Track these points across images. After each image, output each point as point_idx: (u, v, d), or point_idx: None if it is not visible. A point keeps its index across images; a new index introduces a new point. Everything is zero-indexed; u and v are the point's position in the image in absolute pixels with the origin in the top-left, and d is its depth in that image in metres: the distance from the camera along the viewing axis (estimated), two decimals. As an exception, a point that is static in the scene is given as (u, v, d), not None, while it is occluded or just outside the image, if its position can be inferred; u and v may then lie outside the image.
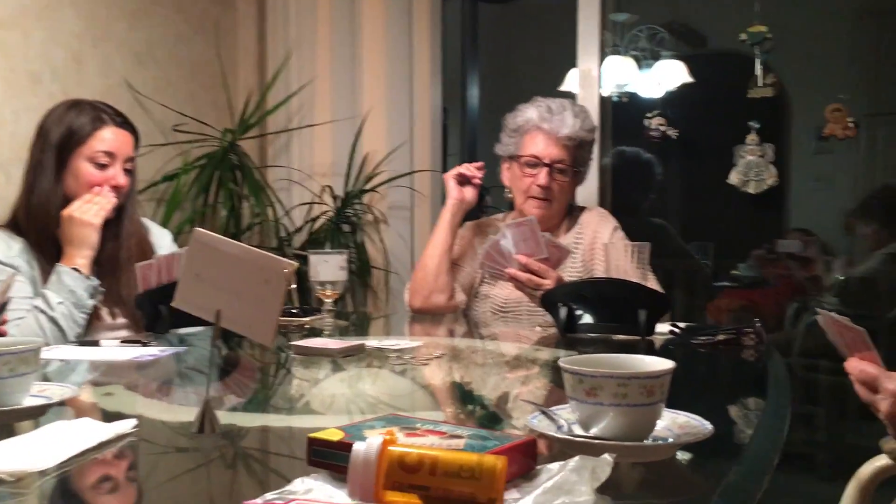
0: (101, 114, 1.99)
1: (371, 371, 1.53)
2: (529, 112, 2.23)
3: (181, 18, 3.11)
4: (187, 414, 1.08)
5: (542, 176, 2.18)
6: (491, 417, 1.23)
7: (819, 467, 3.54)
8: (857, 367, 1.07)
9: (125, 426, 0.96)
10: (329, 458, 0.79)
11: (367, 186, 3.15)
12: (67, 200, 1.95)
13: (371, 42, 3.16)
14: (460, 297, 2.25)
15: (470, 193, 2.27)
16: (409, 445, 0.73)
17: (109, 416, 1.02)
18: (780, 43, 3.17)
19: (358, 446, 0.71)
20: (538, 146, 2.20)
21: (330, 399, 1.35)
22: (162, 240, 2.18)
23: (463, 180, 2.27)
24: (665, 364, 0.91)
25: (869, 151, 4.24)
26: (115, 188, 1.98)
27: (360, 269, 3.12)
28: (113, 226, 2.00)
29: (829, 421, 3.64)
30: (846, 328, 1.10)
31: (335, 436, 0.81)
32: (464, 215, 2.29)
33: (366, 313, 3.05)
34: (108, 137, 1.98)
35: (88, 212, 1.92)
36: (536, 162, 2.19)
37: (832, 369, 3.58)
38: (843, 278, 3.66)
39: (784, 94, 3.40)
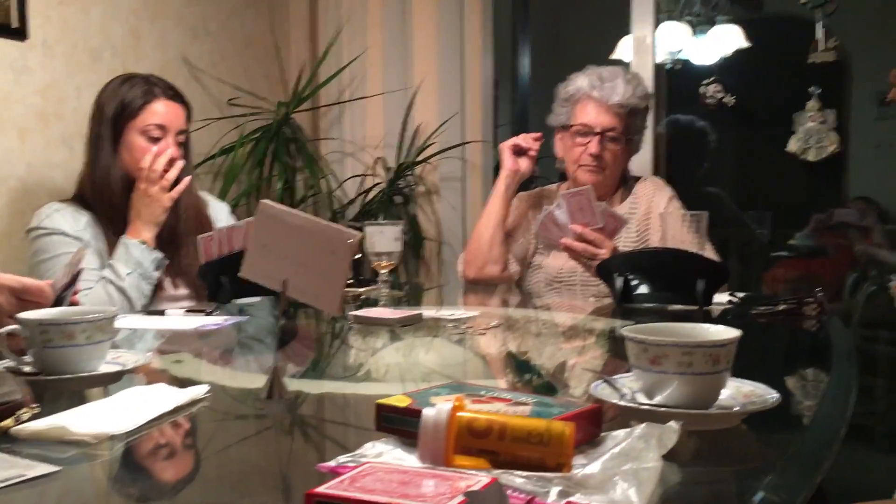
0: (153, 87, 2.03)
1: (428, 340, 1.55)
2: (580, 81, 2.21)
3: (234, -8, 3.14)
4: (253, 381, 1.11)
5: (593, 144, 2.16)
6: (548, 387, 1.24)
7: (879, 439, 3.48)
8: None
9: (199, 391, 0.99)
10: (398, 423, 0.81)
11: (419, 158, 3.15)
12: (126, 174, 2.00)
13: (422, 13, 3.15)
14: (514, 267, 2.26)
15: (525, 164, 2.26)
16: (477, 411, 0.74)
17: (181, 383, 1.05)
18: (842, 5, 3.07)
19: (428, 412, 0.72)
20: (589, 115, 2.18)
21: (389, 367, 1.38)
22: (220, 213, 2.22)
23: (519, 151, 2.26)
24: (731, 333, 0.90)
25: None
26: (170, 161, 2.01)
27: (413, 241, 3.14)
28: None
29: (891, 392, 3.58)
30: None
31: (403, 402, 0.82)
32: (518, 186, 2.29)
33: (419, 284, 3.08)
34: (160, 110, 2.02)
35: (162, 193, 1.96)
36: (588, 130, 2.18)
37: (892, 340, 3.51)
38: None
39: (845, 59, 3.29)
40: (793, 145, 3.09)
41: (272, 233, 1.00)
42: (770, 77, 3.59)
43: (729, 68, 3.57)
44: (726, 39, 3.67)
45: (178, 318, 1.72)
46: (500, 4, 3.53)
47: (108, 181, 2.00)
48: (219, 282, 1.85)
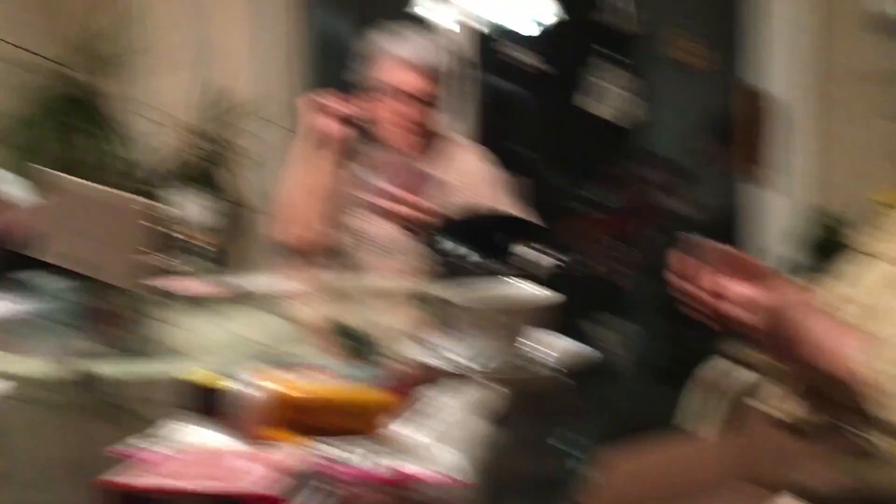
0: None
1: (244, 312, 1.49)
2: (388, 40, 2.19)
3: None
4: (46, 366, 1.02)
5: (404, 105, 2.15)
6: (369, 352, 1.23)
7: (671, 375, 3.77)
8: (735, 293, 1.11)
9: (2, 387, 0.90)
10: (207, 401, 0.77)
11: (229, 121, 3.02)
12: None
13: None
14: (333, 233, 2.22)
15: (339, 127, 2.21)
16: (291, 383, 0.72)
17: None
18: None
19: (237, 388, 0.69)
20: (399, 75, 2.16)
21: (202, 343, 1.31)
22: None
23: (332, 113, 2.21)
24: (545, 293, 0.93)
25: (713, 78, 4.45)
26: None
27: (229, 209, 3.02)
28: None
29: (678, 332, 3.88)
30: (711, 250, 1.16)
31: (213, 379, 0.78)
32: (335, 149, 2.24)
33: (236, 254, 2.97)
34: None
35: None
36: (397, 91, 2.16)
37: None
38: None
39: (638, 23, 3.49)
40: (593, 105, 3.24)
41: (55, 205, 0.91)
42: (572, 40, 3.73)
43: (542, 35, 3.67)
44: (534, 4, 3.78)
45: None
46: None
47: None
48: None
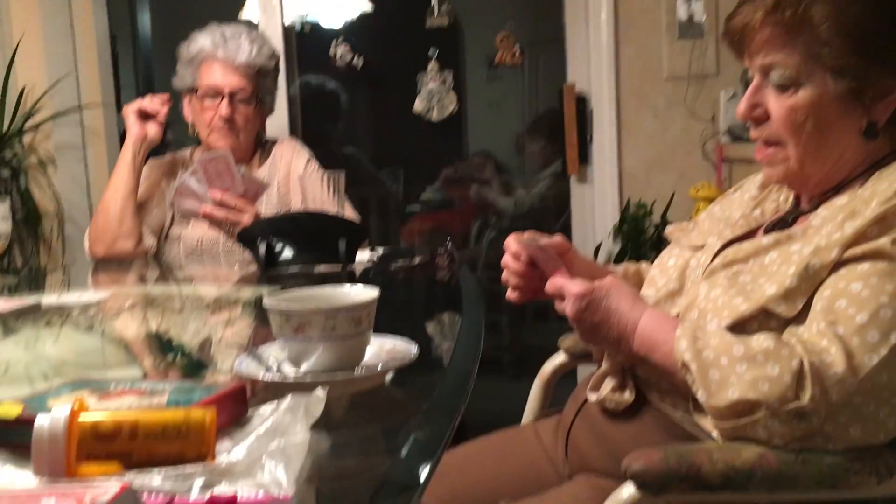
0: None
1: (51, 331, 1.37)
2: (203, 40, 2.10)
3: None
4: None
5: (223, 106, 2.08)
6: (195, 366, 1.17)
7: (507, 369, 3.90)
8: (550, 284, 1.16)
9: None
10: (7, 436, 0.69)
11: (28, 125, 2.79)
12: None
13: (16, -42, 2.77)
14: (149, 240, 2.10)
15: (153, 130, 2.09)
16: (103, 410, 0.66)
17: None
18: (450, -28, 3.29)
19: (41, 419, 0.63)
20: (216, 76, 2.08)
21: (4, 367, 1.20)
22: None
23: (145, 115, 2.09)
24: (370, 293, 0.91)
25: (532, 77, 4.63)
26: None
27: (28, 218, 2.79)
28: None
29: (512, 326, 4.02)
30: (540, 250, 1.20)
31: (13, 410, 0.71)
32: (147, 153, 2.12)
33: (39, 266, 2.75)
34: None
35: None
36: (216, 92, 2.08)
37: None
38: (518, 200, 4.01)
39: (458, 23, 3.55)
40: (418, 105, 3.27)
41: None
42: (394, 39, 3.75)
43: (356, 31, 3.66)
44: (351, 2, 3.76)
45: None
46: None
47: None
48: None
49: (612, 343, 1.13)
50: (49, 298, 1.52)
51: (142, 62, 3.99)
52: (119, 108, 2.66)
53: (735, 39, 1.15)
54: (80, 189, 2.88)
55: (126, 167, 2.06)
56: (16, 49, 2.76)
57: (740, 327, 1.05)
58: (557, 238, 1.29)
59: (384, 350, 0.95)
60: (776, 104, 1.11)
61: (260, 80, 2.13)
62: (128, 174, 2.06)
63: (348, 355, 0.89)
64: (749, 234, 1.21)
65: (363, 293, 0.92)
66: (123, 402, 0.72)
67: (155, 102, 2.09)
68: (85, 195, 2.88)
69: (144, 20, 3.94)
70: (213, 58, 2.08)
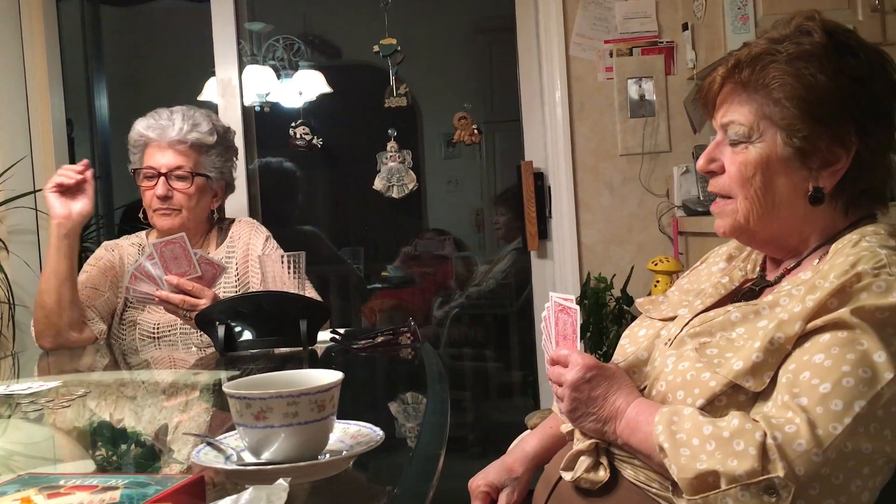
0: None
1: (2, 423, 1.31)
2: (140, 125, 2.11)
3: None
4: None
5: (159, 185, 2.06)
6: (150, 456, 1.13)
7: (472, 446, 3.84)
8: (556, 351, 1.16)
9: None
10: (-54, 542, 0.65)
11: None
12: None
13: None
14: (99, 326, 2.04)
15: (80, 205, 1.95)
16: (53, 510, 0.62)
17: None
18: (409, 54, 3.36)
19: (-16, 523, 0.59)
20: (152, 156, 2.08)
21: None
22: None
23: (68, 190, 1.97)
24: (333, 376, 0.89)
25: (490, 155, 4.71)
26: None
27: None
28: None
29: (476, 403, 3.98)
30: (564, 310, 1.20)
31: (-47, 514, 0.67)
32: (79, 232, 2.02)
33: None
34: None
35: None
36: (152, 172, 2.07)
37: (474, 356, 3.92)
38: (482, 274, 4.02)
39: (416, 103, 3.61)
40: (378, 183, 3.29)
41: None
42: (353, 120, 3.80)
43: (315, 111, 3.70)
44: (310, 84, 3.81)
45: None
46: (70, 44, 3.25)
47: None
48: None
49: (598, 421, 1.12)
50: (-3, 388, 1.46)
51: (99, 146, 3.97)
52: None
53: (701, 96, 1.21)
54: (32, 274, 2.82)
55: (55, 254, 1.94)
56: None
57: (710, 403, 1.05)
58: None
59: (348, 435, 0.93)
60: (730, 159, 1.16)
61: (199, 157, 2.10)
62: (57, 261, 1.94)
63: (312, 442, 0.86)
64: (718, 303, 1.22)
65: (326, 376, 0.90)
66: (74, 500, 0.68)
67: (70, 172, 1.95)
68: (37, 280, 2.81)
69: (102, 104, 3.94)
70: (149, 139, 2.08)
